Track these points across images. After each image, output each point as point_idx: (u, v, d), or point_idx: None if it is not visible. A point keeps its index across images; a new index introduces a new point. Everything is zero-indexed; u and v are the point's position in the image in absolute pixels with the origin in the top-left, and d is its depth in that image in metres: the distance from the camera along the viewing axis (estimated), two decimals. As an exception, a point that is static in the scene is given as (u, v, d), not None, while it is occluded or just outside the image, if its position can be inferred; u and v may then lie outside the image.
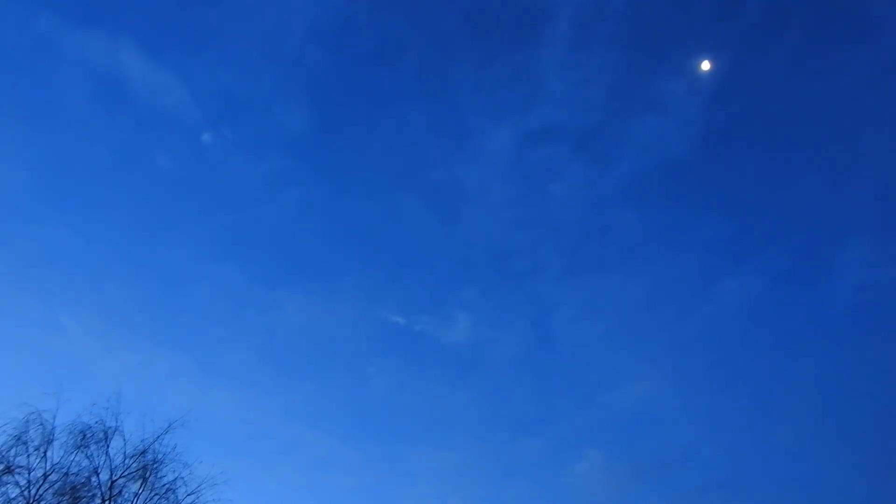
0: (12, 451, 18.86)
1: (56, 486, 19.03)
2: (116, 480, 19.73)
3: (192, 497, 20.25)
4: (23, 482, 18.71)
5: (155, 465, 20.27)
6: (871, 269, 41.10)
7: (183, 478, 20.36)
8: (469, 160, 45.27)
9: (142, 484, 19.96)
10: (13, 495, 18.51)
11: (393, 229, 46.66)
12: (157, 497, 20.01)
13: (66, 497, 19.06)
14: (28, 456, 19.03)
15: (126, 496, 19.74)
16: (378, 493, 38.84)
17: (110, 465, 19.89)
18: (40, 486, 18.82)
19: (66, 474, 19.28)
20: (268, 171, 44.32)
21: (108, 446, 20.04)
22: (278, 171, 44.54)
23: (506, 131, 44.31)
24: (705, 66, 39.35)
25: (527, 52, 43.24)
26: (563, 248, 47.11)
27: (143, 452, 20.28)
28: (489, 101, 44.16)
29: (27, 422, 19.34)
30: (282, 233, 45.39)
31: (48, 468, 19.11)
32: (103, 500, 19.34)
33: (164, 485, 20.17)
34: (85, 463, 19.68)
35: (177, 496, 20.17)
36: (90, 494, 19.33)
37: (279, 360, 43.77)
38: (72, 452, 19.57)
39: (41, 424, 19.48)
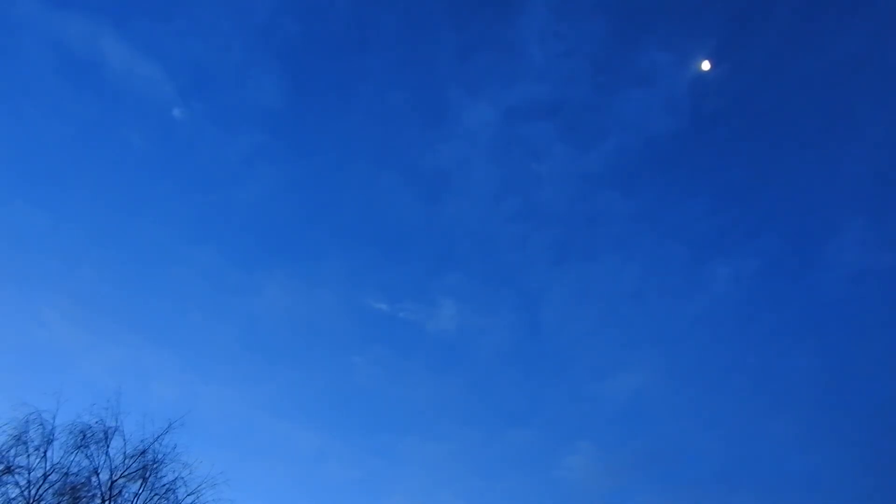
0: (12, 451, 18.92)
1: (56, 486, 19.08)
2: (116, 480, 19.80)
3: (192, 497, 20.40)
4: (23, 482, 18.76)
5: (155, 465, 20.36)
6: (866, 255, 40.73)
7: (183, 478, 20.49)
8: (450, 137, 44.01)
9: (142, 484, 20.04)
10: (13, 495, 18.56)
11: (373, 210, 45.41)
12: (157, 497, 20.12)
13: (66, 497, 19.11)
14: (28, 456, 19.09)
15: (126, 496, 19.84)
16: (368, 486, 38.83)
17: (110, 465, 19.98)
18: (40, 486, 18.85)
19: (66, 474, 19.33)
20: (242, 148, 42.96)
21: (108, 446, 20.11)
22: (253, 148, 43.17)
23: (487, 107, 42.99)
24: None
25: (507, 21, 41.83)
26: (549, 233, 46.28)
27: (143, 452, 20.35)
28: (469, 75, 42.76)
29: (27, 422, 19.39)
30: (259, 214, 44.07)
31: (48, 468, 19.18)
32: (103, 500, 19.40)
33: (164, 485, 20.28)
34: (85, 463, 19.77)
35: (177, 496, 20.30)
36: (90, 494, 19.40)
37: (261, 349, 42.93)
38: (72, 452, 19.64)
39: (41, 424, 19.53)
